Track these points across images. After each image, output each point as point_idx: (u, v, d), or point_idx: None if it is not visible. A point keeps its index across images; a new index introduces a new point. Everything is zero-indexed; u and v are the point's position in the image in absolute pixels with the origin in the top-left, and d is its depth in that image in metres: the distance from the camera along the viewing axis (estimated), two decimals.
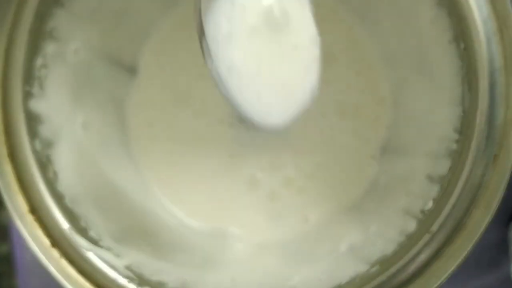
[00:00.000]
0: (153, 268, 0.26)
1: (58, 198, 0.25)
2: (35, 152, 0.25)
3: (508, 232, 0.31)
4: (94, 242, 0.25)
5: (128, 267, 0.25)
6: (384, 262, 0.23)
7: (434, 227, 0.22)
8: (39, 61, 0.26)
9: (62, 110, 0.27)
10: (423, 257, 0.23)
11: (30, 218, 0.25)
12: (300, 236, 0.31)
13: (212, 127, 0.32)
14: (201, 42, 0.21)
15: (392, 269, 0.23)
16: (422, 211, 0.24)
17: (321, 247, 0.29)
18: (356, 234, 0.28)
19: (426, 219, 0.23)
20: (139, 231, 0.28)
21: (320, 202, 0.31)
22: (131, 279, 0.25)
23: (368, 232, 0.27)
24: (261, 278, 0.27)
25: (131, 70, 0.33)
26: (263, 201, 0.32)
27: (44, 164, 0.26)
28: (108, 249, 0.26)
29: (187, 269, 0.27)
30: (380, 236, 0.26)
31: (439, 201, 0.23)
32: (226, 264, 0.29)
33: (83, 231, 0.25)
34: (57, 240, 0.25)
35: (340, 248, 0.28)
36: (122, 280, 0.25)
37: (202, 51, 0.21)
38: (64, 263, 0.25)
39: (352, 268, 0.24)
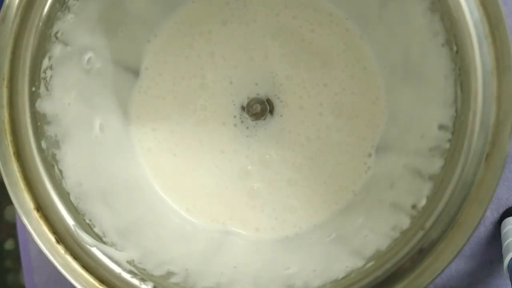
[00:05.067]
0: (156, 262, 0.26)
1: (63, 195, 0.26)
2: (41, 151, 0.26)
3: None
4: (98, 238, 0.26)
5: (131, 262, 0.26)
6: (379, 258, 0.24)
7: (428, 224, 0.23)
8: (45, 63, 0.26)
9: (69, 111, 0.28)
10: (417, 253, 0.23)
11: (36, 215, 0.25)
12: (292, 228, 0.31)
13: (214, 130, 0.33)
14: None
15: (387, 265, 0.23)
16: (416, 208, 0.24)
17: (312, 236, 0.30)
18: (344, 225, 0.29)
19: (420, 216, 0.23)
20: (142, 226, 0.29)
21: (313, 197, 0.31)
22: (134, 274, 0.25)
23: (356, 223, 0.28)
24: (260, 267, 0.28)
25: (138, 74, 0.33)
26: (257, 195, 0.32)
27: (50, 163, 0.26)
28: (112, 245, 0.26)
29: (189, 261, 0.27)
30: (369, 229, 0.26)
31: (433, 199, 0.23)
32: (227, 255, 0.29)
33: (87, 228, 0.26)
34: (62, 237, 0.25)
35: (329, 236, 0.28)
36: (126, 275, 0.25)
37: None
38: (69, 258, 0.25)
39: (348, 263, 0.24)
